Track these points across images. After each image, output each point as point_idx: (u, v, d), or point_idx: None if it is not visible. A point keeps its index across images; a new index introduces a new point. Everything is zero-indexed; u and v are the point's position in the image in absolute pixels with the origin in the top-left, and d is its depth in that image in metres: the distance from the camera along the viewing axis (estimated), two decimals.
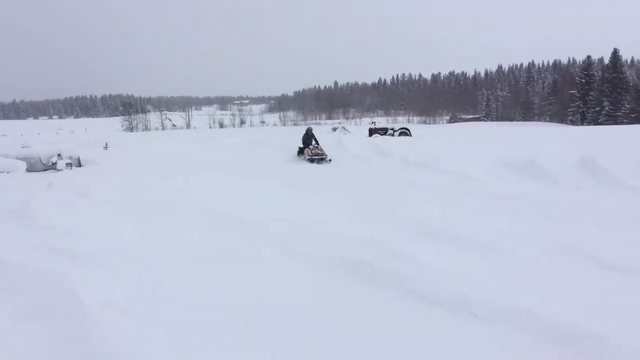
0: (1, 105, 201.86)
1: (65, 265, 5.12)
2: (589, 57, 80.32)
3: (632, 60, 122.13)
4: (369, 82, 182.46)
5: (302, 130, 20.67)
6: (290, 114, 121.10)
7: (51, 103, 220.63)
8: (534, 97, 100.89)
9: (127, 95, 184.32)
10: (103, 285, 4.59)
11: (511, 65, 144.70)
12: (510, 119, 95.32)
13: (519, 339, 3.54)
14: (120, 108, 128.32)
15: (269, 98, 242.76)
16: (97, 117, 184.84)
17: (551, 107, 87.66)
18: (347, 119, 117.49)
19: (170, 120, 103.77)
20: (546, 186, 10.74)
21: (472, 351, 3.41)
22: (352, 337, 3.63)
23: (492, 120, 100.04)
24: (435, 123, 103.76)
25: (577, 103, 77.39)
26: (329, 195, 10.05)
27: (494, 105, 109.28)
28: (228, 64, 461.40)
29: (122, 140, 30.25)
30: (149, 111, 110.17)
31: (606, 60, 78.28)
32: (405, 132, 31.02)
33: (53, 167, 16.18)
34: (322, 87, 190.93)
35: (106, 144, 24.06)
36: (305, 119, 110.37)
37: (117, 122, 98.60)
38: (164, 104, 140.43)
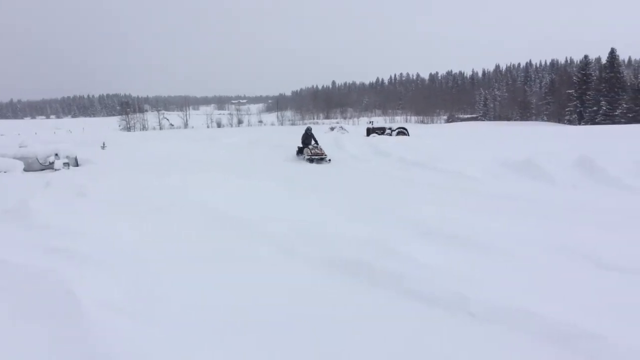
0: None
1: (63, 265, 5.11)
2: (586, 56, 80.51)
3: (630, 60, 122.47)
4: (367, 82, 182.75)
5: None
6: (288, 113, 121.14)
7: (48, 102, 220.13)
8: (531, 96, 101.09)
9: (125, 94, 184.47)
10: (101, 284, 4.58)
11: (509, 64, 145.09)
12: (508, 119, 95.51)
13: (517, 338, 3.55)
14: (118, 107, 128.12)
15: (267, 97, 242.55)
16: (94, 116, 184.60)
17: (548, 106, 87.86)
18: (344, 118, 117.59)
19: (167, 119, 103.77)
20: (543, 186, 10.76)
21: (470, 351, 3.41)
22: (351, 337, 3.63)
23: (489, 119, 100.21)
24: (433, 123, 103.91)
25: (575, 103, 77.57)
26: (327, 195, 10.04)
27: (492, 105, 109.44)
28: (226, 64, 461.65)
29: (120, 140, 30.19)
30: (146, 111, 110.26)
31: (603, 60, 78.41)
32: (402, 131, 31.08)
33: (50, 166, 16.14)
34: (319, 87, 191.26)
35: (103, 144, 24.02)
36: (302, 119, 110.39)
37: (114, 121, 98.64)
38: (162, 104, 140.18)
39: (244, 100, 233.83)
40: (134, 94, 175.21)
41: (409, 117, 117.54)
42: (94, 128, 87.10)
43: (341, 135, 27.13)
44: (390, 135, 30.17)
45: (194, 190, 9.87)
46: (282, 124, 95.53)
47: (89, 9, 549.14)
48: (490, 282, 4.51)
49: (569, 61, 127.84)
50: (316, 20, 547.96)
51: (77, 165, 17.00)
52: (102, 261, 5.39)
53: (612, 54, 74.62)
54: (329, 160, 16.92)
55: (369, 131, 31.50)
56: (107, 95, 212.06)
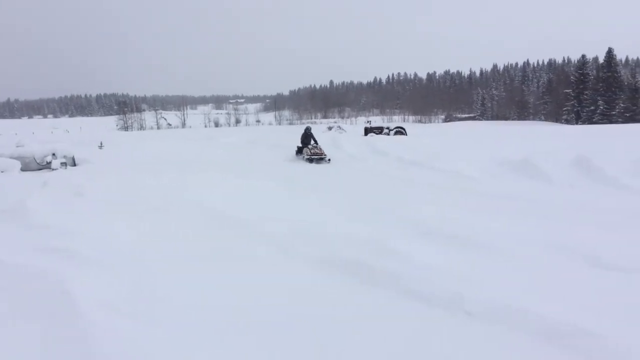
0: None
1: (60, 264, 5.09)
2: (583, 56, 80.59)
3: (627, 60, 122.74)
4: (365, 82, 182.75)
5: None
6: (286, 113, 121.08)
7: (46, 102, 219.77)
8: (529, 96, 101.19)
9: (122, 94, 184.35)
10: (98, 284, 4.57)
11: (506, 64, 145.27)
12: (506, 118, 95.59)
13: (517, 338, 3.54)
14: (115, 107, 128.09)
15: (265, 97, 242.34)
16: (91, 116, 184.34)
17: (546, 106, 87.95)
18: (342, 118, 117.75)
19: (165, 119, 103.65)
20: (541, 185, 10.77)
21: (470, 351, 3.40)
22: (351, 337, 3.62)
23: (487, 119, 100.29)
24: (431, 122, 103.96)
25: (572, 102, 77.65)
26: (326, 195, 10.01)
27: (489, 105, 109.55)
28: (224, 64, 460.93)
29: (117, 140, 30.14)
30: (144, 110, 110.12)
31: (601, 60, 78.58)
32: (400, 131, 31.08)
33: (47, 166, 16.08)
34: (317, 86, 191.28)
35: (101, 143, 23.96)
36: (300, 118, 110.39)
37: (112, 121, 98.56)
38: (159, 103, 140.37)
39: (242, 100, 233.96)
40: (132, 94, 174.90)
41: (406, 117, 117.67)
42: (91, 128, 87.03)
43: (339, 135, 27.10)
44: (388, 134, 30.16)
45: (192, 190, 9.85)
46: (279, 124, 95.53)
47: (86, 9, 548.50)
48: (490, 282, 4.51)
49: (566, 61, 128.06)
50: (316, 20, 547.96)
51: (74, 165, 16.94)
52: (99, 261, 5.36)
53: (610, 53, 74.74)
54: (329, 160, 16.79)
55: (367, 131, 31.46)
56: (105, 95, 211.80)
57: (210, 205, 8.33)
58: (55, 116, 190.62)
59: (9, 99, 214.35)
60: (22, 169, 15.51)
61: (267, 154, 19.52)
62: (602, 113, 71.37)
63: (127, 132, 68.54)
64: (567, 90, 78.86)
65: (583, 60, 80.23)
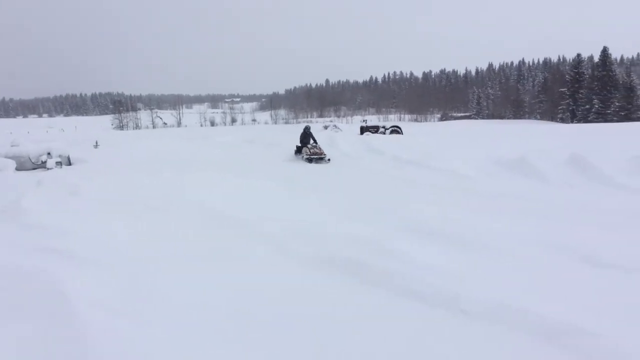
0: None
1: (56, 264, 5.06)
2: (578, 55, 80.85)
3: (622, 59, 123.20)
4: (361, 81, 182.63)
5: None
6: (282, 112, 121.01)
7: (41, 101, 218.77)
8: (524, 95, 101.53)
9: (118, 93, 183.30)
10: (95, 284, 4.54)
11: (502, 63, 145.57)
12: (501, 117, 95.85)
13: (517, 338, 3.54)
14: (111, 106, 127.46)
15: (261, 96, 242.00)
16: (87, 115, 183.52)
17: (541, 105, 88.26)
18: (338, 117, 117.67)
19: (161, 118, 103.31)
20: (536, 184, 10.75)
21: (471, 350, 3.39)
22: (351, 337, 3.60)
23: (483, 118, 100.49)
24: (427, 121, 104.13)
25: (567, 101, 77.94)
26: (325, 194, 9.95)
27: (485, 104, 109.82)
28: (221, 63, 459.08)
29: (113, 139, 30.04)
30: (139, 109, 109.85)
31: (596, 59, 78.80)
32: (396, 130, 31.09)
33: (42, 165, 16.02)
34: (313, 85, 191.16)
35: (96, 143, 23.88)
36: (296, 117, 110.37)
37: (107, 120, 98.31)
38: (155, 102, 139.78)
39: (238, 99, 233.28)
40: (127, 93, 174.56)
41: (402, 116, 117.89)
42: (86, 127, 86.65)
43: (335, 134, 27.09)
44: (384, 133, 30.17)
45: (190, 189, 9.81)
46: (275, 123, 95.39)
47: (81, 8, 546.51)
48: (490, 282, 4.50)
49: (561, 59, 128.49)
50: (316, 20, 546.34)
51: (69, 164, 16.87)
52: (95, 260, 5.33)
53: (605, 52, 74.98)
54: (329, 160, 16.61)
55: (363, 130, 31.45)
56: (100, 94, 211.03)
57: (210, 205, 8.29)
58: (51, 115, 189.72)
59: (4, 98, 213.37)
60: (17, 169, 15.43)
61: (265, 153, 19.45)
62: (597, 112, 71.65)
63: (122, 131, 68.35)
64: (562, 89, 79.13)
65: (578, 59, 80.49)
